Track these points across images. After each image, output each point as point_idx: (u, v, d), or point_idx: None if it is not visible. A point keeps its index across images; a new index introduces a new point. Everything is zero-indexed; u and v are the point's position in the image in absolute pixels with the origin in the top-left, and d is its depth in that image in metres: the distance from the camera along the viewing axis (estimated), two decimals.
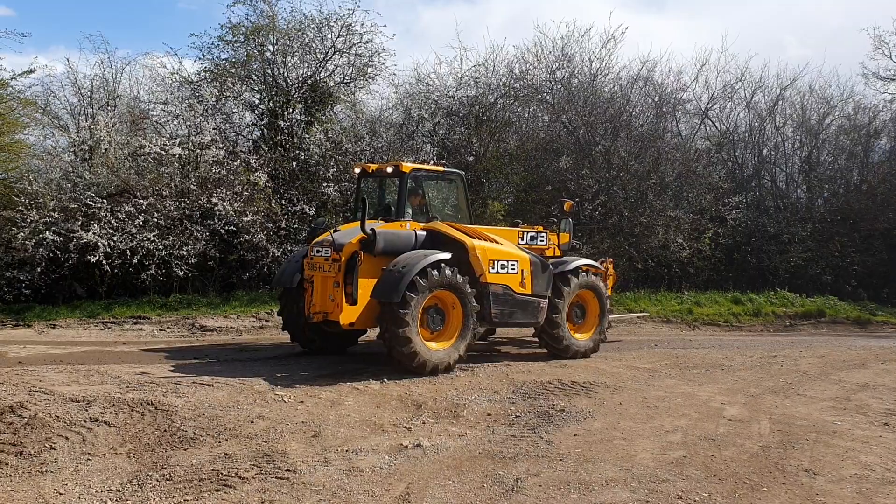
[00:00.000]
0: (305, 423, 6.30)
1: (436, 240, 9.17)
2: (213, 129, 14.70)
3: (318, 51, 16.27)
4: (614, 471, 5.31)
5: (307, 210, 14.69)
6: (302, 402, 7.00)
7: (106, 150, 14.27)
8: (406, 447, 5.73)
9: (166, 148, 14.04)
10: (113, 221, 13.08)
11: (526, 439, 6.04)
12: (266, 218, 14.41)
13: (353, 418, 6.52)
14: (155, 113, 16.13)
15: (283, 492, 4.71)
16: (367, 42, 16.29)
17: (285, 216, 14.64)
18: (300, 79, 16.13)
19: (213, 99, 15.96)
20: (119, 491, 4.67)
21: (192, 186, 14.18)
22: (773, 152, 21.52)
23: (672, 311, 15.31)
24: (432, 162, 15.56)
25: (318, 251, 9.07)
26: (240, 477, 4.91)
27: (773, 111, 21.26)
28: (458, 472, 5.22)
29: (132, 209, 13.28)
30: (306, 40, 16.13)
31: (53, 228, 12.80)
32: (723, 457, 5.70)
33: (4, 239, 13.37)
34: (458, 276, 8.72)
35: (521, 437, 6.09)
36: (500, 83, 17.91)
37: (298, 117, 15.72)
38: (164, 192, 13.95)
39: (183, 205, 13.97)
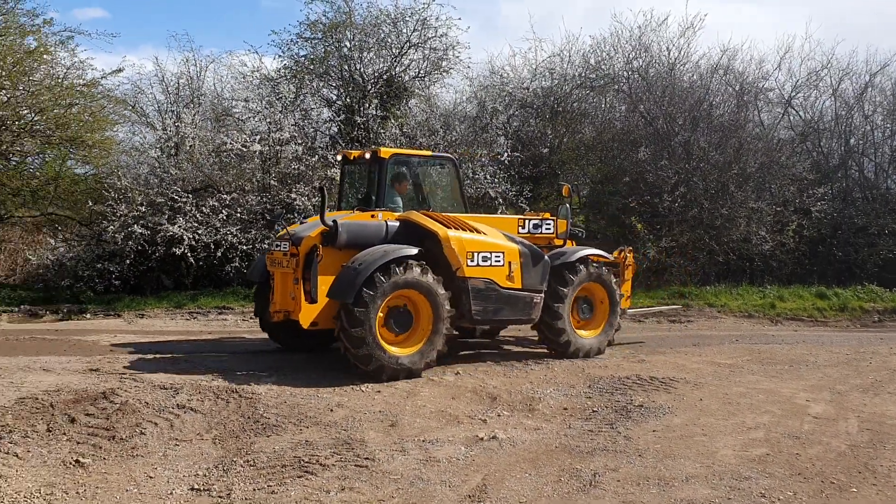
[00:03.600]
0: (382, 412, 6.40)
1: (410, 231, 8.40)
2: (292, 125, 15.00)
3: (393, 45, 16.42)
4: (695, 467, 5.22)
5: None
6: (379, 391, 7.11)
7: (191, 146, 14.74)
8: (482, 439, 5.76)
9: (247, 144, 14.40)
10: (198, 215, 13.49)
11: (603, 434, 5.99)
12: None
13: (429, 409, 6.59)
14: (237, 110, 16.56)
15: (362, 479, 4.80)
16: (441, 36, 16.36)
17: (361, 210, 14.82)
18: (376, 74, 16.31)
19: (292, 96, 16.30)
20: (205, 476, 4.84)
21: (272, 182, 14.51)
22: (861, 142, 20.64)
23: (754, 305, 14.89)
24: (506, 154, 15.55)
25: (277, 245, 8.62)
26: (320, 464, 5.03)
27: (861, 99, 20.39)
28: (534, 465, 5.22)
29: (216, 203, 13.68)
30: (382, 35, 16.30)
31: (141, 222, 13.28)
32: (808, 455, 5.54)
33: (96, 232, 13.98)
34: (428, 273, 7.94)
35: (598, 432, 6.05)
36: (576, 74, 17.74)
37: (374, 112, 15.90)
38: (245, 188, 14.32)
39: (264, 199, 14.31)
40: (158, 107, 16.81)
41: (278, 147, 14.83)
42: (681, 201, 16.67)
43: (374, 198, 8.90)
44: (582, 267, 9.18)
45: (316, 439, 5.60)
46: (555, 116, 17.26)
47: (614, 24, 34.49)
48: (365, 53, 16.37)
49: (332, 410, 6.37)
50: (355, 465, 5.05)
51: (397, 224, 8.46)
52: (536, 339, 9.59)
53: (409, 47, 16.43)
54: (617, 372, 8.36)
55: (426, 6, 16.05)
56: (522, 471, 5.10)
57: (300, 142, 14.98)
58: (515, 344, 10.31)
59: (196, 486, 4.65)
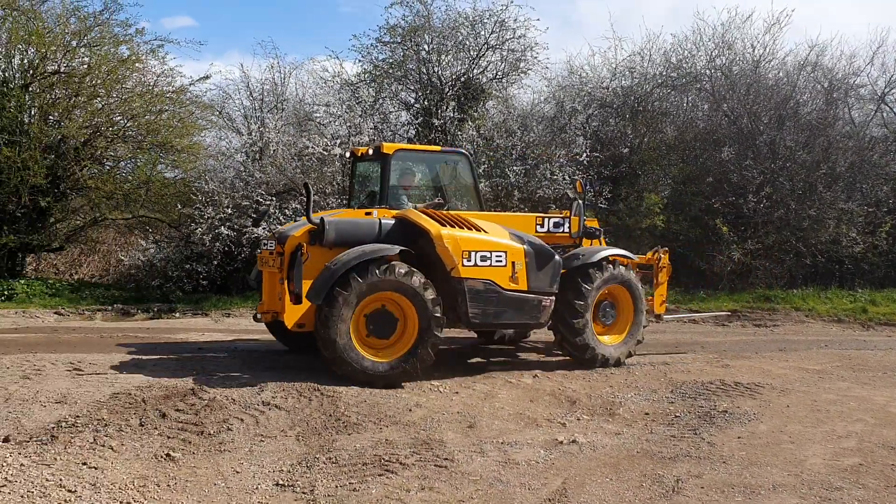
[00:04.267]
0: (461, 413, 6.42)
1: (407, 230, 7.95)
2: (371, 128, 15.20)
3: (471, 48, 16.48)
4: (782, 476, 5.06)
5: (460, 206, 14.88)
6: (457, 392, 7.13)
7: (274, 150, 15.11)
8: (561, 442, 5.72)
9: (328, 148, 14.67)
10: (281, 218, 13.81)
11: (686, 440, 5.87)
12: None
13: (508, 411, 6.58)
14: (318, 115, 16.89)
15: (441, 480, 4.83)
16: (519, 37, 16.34)
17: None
18: (454, 76, 16.39)
19: (371, 100, 16.53)
20: (289, 472, 4.95)
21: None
22: None
23: (843, 309, 14.33)
24: (585, 155, 15.40)
25: (265, 244, 8.34)
26: (400, 463, 5.08)
27: None
28: (615, 469, 5.16)
29: (298, 206, 13.97)
30: (460, 38, 16.38)
31: (228, 224, 13.67)
32: None
33: (184, 234, 14.48)
34: (414, 275, 7.42)
35: (681, 438, 5.92)
36: (657, 72, 17.45)
37: (452, 115, 15.98)
38: (326, 190, 14.58)
39: (344, 202, 14.53)
40: (244, 112, 17.32)
41: None
42: (766, 202, 16.20)
43: (377, 195, 8.67)
44: (603, 269, 8.53)
45: (395, 439, 5.67)
46: (635, 116, 17.01)
47: (696, 22, 33.77)
48: (443, 56, 16.48)
49: (410, 410, 6.43)
50: (435, 466, 5.08)
51: (392, 222, 8.03)
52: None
53: (487, 49, 16.46)
54: (700, 377, 8.17)
55: (504, 8, 16.09)
56: (603, 475, 5.04)
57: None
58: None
59: (280, 482, 4.76)
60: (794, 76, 17.64)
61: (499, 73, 16.87)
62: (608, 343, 8.67)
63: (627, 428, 6.22)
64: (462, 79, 16.37)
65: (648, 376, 8.19)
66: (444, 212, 8.32)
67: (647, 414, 6.66)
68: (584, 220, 9.25)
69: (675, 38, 21.28)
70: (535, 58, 16.62)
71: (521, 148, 15.65)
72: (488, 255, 7.93)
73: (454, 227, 7.93)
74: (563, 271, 8.30)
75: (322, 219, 7.73)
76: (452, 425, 6.09)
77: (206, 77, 15.45)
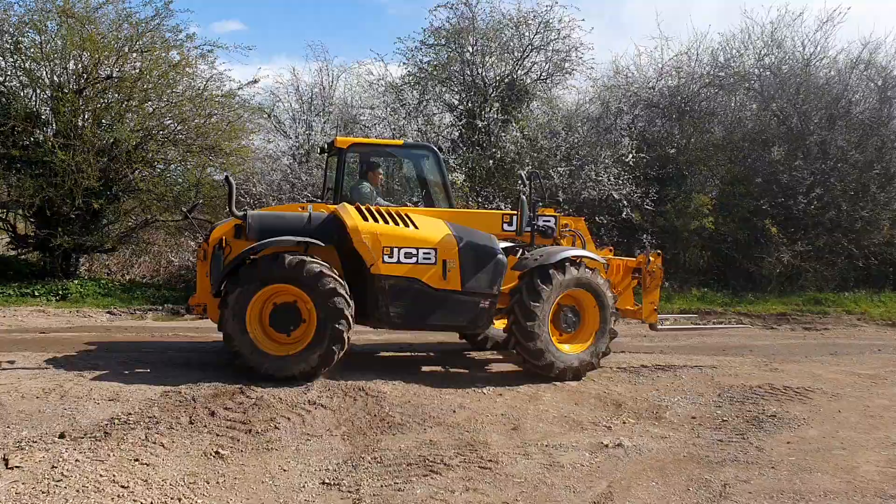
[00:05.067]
0: (505, 415, 6.42)
1: (338, 224, 7.63)
2: (415, 131, 15.27)
3: (515, 49, 16.45)
4: (833, 482, 4.97)
5: (502, 207, 14.88)
6: (501, 394, 7.13)
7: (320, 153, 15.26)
8: (606, 446, 5.69)
9: None
10: None
11: (734, 444, 5.79)
12: None
13: (552, 414, 6.56)
14: (363, 118, 17.03)
15: (486, 481, 4.85)
16: (564, 37, 16.28)
17: None
18: (497, 77, 16.38)
19: (415, 102, 16.61)
20: (335, 471, 5.01)
21: (395, 186, 14.82)
22: None
23: None
24: (631, 156, 15.27)
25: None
26: (445, 464, 5.11)
27: None
28: (661, 473, 5.11)
29: None
30: (504, 39, 16.36)
31: None
32: None
33: None
34: (307, 266, 7.11)
35: (728, 442, 5.85)
36: (704, 72, 17.21)
37: (495, 116, 15.97)
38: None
39: (388, 202, 14.62)
40: (292, 115, 17.54)
41: None
42: (817, 203, 15.89)
43: (333, 190, 8.56)
44: (566, 270, 7.74)
45: (440, 439, 5.69)
46: (682, 116, 16.82)
47: (745, 21, 33.17)
48: (487, 58, 16.47)
49: (454, 412, 6.45)
50: (479, 467, 5.10)
51: (324, 216, 7.73)
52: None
53: (531, 50, 16.42)
54: (748, 381, 8.05)
55: (549, 8, 16.03)
56: (649, 479, 5.00)
57: None
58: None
59: (327, 481, 4.82)
60: (846, 74, 17.25)
61: (543, 74, 16.81)
62: (568, 351, 7.87)
63: (674, 432, 6.16)
64: (506, 80, 16.35)
65: (695, 380, 8.10)
66: (382, 207, 8.03)
67: (693, 418, 6.59)
68: (530, 216, 8.26)
69: (722, 37, 21.04)
70: (580, 58, 16.55)
71: (566, 149, 15.57)
72: (414, 251, 7.56)
73: (378, 221, 7.58)
74: (520, 272, 7.82)
75: (245, 212, 7.70)
76: (496, 427, 6.09)
77: (255, 81, 15.65)
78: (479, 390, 7.23)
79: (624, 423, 6.39)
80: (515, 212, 8.49)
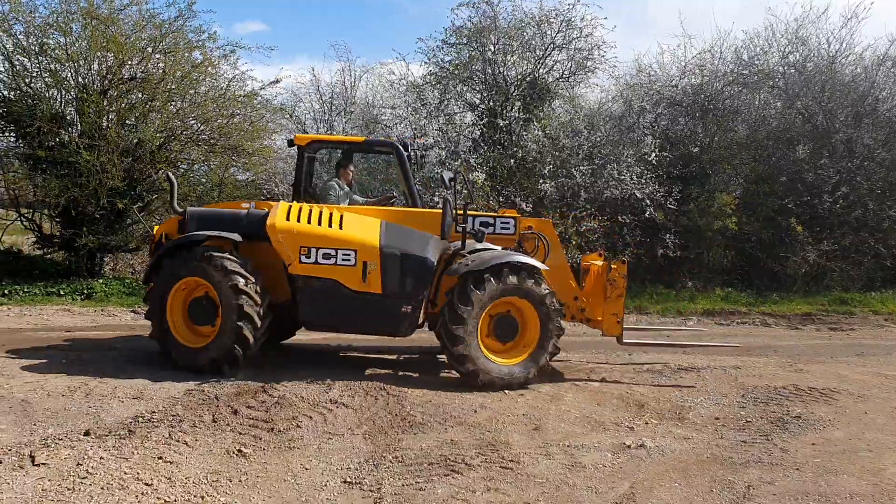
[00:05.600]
0: (526, 415, 6.40)
1: None
2: (436, 130, 15.28)
3: (537, 48, 16.41)
4: (859, 484, 4.90)
5: (524, 206, 14.84)
6: (522, 394, 7.11)
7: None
8: (629, 446, 5.65)
9: None
10: None
11: (758, 445, 5.74)
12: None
13: (574, 414, 6.53)
14: (385, 117, 17.06)
15: (507, 481, 4.83)
16: (587, 36, 16.21)
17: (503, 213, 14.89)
18: (519, 76, 16.34)
19: (436, 101, 16.61)
20: (357, 469, 5.01)
21: (417, 186, 14.83)
22: None
23: None
24: (654, 155, 15.18)
25: None
26: (466, 464, 5.09)
27: None
28: (684, 474, 5.07)
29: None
30: (526, 38, 16.32)
31: None
32: None
33: None
34: (213, 262, 7.21)
35: (752, 443, 5.79)
36: (728, 70, 17.06)
37: (517, 115, 15.93)
38: (393, 192, 14.71)
39: (408, 204, 14.64)
40: (314, 115, 17.61)
41: (422, 152, 15.15)
42: (843, 202, 15.71)
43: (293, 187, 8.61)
44: (502, 276, 7.30)
45: (461, 439, 5.68)
46: (705, 114, 16.69)
47: (768, 18, 32.91)
48: (508, 56, 16.44)
49: (475, 412, 6.44)
50: (500, 467, 5.08)
51: (262, 214, 7.72)
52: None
53: (554, 49, 16.36)
54: (772, 381, 7.97)
55: (571, 7, 15.97)
56: (672, 480, 4.96)
57: (443, 146, 15.24)
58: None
59: (348, 480, 4.82)
60: (873, 72, 17.02)
61: (565, 73, 16.75)
62: (499, 361, 7.40)
63: (697, 433, 6.11)
64: (528, 78, 16.31)
65: (718, 380, 8.03)
66: (326, 205, 7.96)
67: (717, 419, 6.53)
68: (452, 217, 7.78)
69: (746, 34, 20.85)
70: (603, 56, 16.48)
71: (588, 148, 15.51)
72: (333, 252, 7.41)
73: (300, 221, 7.50)
74: (454, 277, 7.46)
75: (185, 209, 7.90)
76: (518, 427, 6.07)
77: (277, 81, 15.72)
78: (501, 390, 7.21)
79: (646, 423, 6.35)
80: (473, 213, 8.35)
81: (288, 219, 7.50)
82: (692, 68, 17.11)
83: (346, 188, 8.78)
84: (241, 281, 7.25)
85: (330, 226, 7.53)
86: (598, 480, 4.92)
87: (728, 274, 16.33)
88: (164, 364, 7.51)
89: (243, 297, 7.22)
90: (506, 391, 7.17)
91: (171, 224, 8.11)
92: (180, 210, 7.92)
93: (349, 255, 7.41)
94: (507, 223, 8.30)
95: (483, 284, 7.26)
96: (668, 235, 15.27)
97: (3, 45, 13.99)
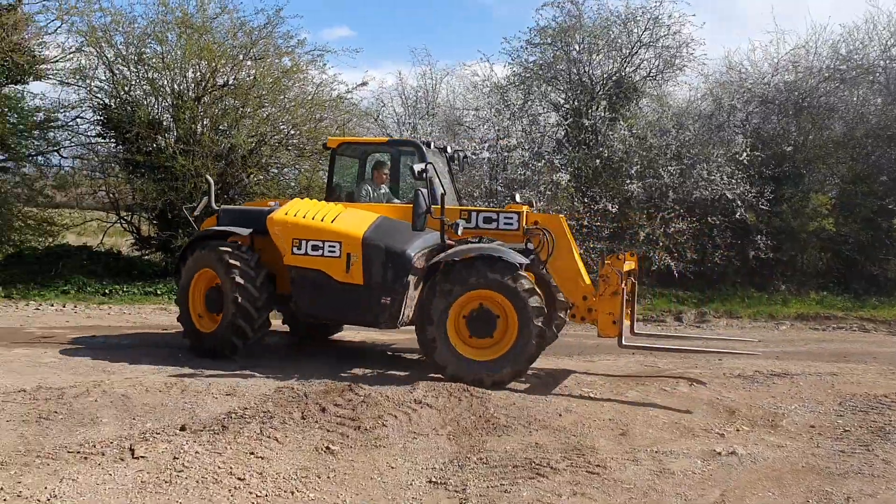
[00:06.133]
0: (613, 420, 6.30)
1: None
2: (520, 131, 15.23)
3: (623, 46, 16.18)
4: None
5: (609, 208, 14.64)
6: (608, 399, 7.01)
7: None
8: (719, 453, 5.50)
9: (476, 152, 14.84)
10: None
11: (857, 456, 5.50)
12: (569, 216, 14.62)
13: (662, 420, 6.40)
14: (468, 119, 17.12)
15: (594, 486, 4.77)
16: (675, 33, 15.91)
17: (588, 214, 14.73)
18: (605, 75, 16.15)
19: (520, 102, 16.57)
20: (441, 470, 5.04)
21: (498, 188, 14.84)
22: None
23: None
24: (745, 154, 14.76)
25: None
26: (551, 467, 5.06)
27: None
28: (778, 484, 4.90)
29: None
30: (612, 37, 16.11)
31: None
32: None
33: None
34: (222, 254, 7.87)
35: (851, 454, 5.55)
36: (823, 66, 16.43)
37: (602, 114, 15.74)
38: (474, 194, 14.75)
39: (491, 205, 14.65)
40: (398, 119, 17.82)
41: (505, 153, 15.13)
42: None
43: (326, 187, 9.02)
44: (474, 269, 7.17)
45: (546, 443, 5.64)
46: (799, 112, 16.11)
47: (869, 10, 31.54)
48: (594, 55, 16.26)
49: (560, 415, 6.38)
50: (586, 472, 5.02)
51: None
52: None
53: (640, 47, 16.11)
54: (872, 389, 7.62)
55: (658, 4, 15.68)
56: (765, 489, 4.81)
57: (527, 147, 15.18)
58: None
59: (433, 479, 4.86)
60: None
61: (652, 71, 16.46)
62: (472, 357, 7.29)
63: (791, 441, 5.90)
64: (613, 78, 16.10)
65: (814, 387, 7.72)
66: (337, 203, 8.36)
67: (812, 427, 6.29)
68: (426, 210, 7.44)
69: (844, 28, 20.01)
70: (692, 54, 16.11)
71: (676, 147, 15.19)
72: (320, 244, 7.68)
73: (296, 215, 7.89)
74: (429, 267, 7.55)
75: (220, 207, 8.73)
76: (604, 432, 5.99)
77: (364, 84, 16.00)
78: (586, 394, 7.14)
79: (738, 430, 6.17)
80: (475, 209, 8.42)
81: (287, 213, 7.96)
82: (785, 64, 16.57)
83: (383, 189, 8.93)
84: (237, 273, 7.84)
85: (322, 220, 7.85)
86: (688, 487, 4.81)
87: (823, 277, 15.74)
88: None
89: (238, 290, 7.82)
90: (590, 396, 7.08)
91: (212, 222, 8.77)
92: (216, 209, 8.68)
93: (335, 246, 7.68)
94: (511, 218, 8.15)
95: (449, 277, 7.26)
96: (759, 237, 14.82)
97: (105, 55, 14.67)
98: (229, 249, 7.96)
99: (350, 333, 10.05)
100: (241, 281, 7.81)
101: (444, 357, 7.28)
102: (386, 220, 7.98)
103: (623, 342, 7.51)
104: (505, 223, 8.12)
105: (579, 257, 8.19)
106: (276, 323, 9.22)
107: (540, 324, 7.19)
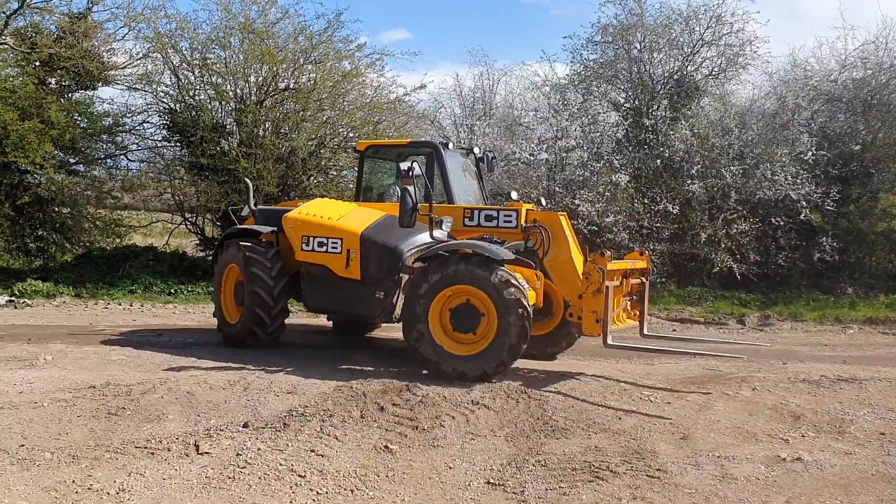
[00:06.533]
0: (674, 424, 6.21)
1: None
2: (579, 131, 15.13)
3: (685, 45, 15.95)
4: None
5: (670, 208, 14.43)
6: (669, 402, 6.90)
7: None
8: (784, 459, 5.38)
9: (535, 153, 14.79)
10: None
11: None
12: (628, 217, 14.46)
13: (724, 424, 6.27)
14: (526, 119, 17.07)
15: (654, 490, 4.71)
16: (738, 31, 15.61)
17: (648, 215, 14.55)
18: (666, 74, 15.94)
19: (580, 101, 16.46)
20: (499, 471, 5.04)
21: (557, 188, 14.75)
22: None
23: None
24: (810, 153, 14.39)
25: None
26: (611, 471, 5.01)
27: None
28: (846, 491, 4.77)
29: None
30: (673, 35, 15.91)
31: None
32: None
33: None
34: (240, 249, 8.50)
35: None
36: (894, 61, 15.91)
37: (663, 114, 15.53)
38: (532, 195, 14.68)
39: (549, 206, 14.57)
40: (454, 120, 17.88)
41: (564, 154, 15.04)
42: None
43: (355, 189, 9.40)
44: (448, 263, 7.26)
45: (605, 446, 5.59)
46: (868, 110, 15.62)
47: None
48: (654, 54, 16.07)
49: (620, 419, 6.31)
50: (647, 476, 4.96)
51: None
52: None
53: (702, 45, 15.85)
54: None
55: (721, 2, 15.42)
56: (832, 496, 4.68)
57: (585, 148, 15.07)
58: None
59: (491, 481, 4.86)
60: None
61: (714, 70, 16.18)
62: (454, 352, 7.32)
63: (859, 448, 5.72)
64: (675, 76, 15.87)
65: (884, 393, 7.47)
66: (333, 202, 9.06)
67: (882, 434, 6.09)
68: (412, 206, 7.47)
69: None
70: (756, 52, 15.78)
71: (739, 147, 14.89)
72: (325, 240, 8.14)
73: (309, 213, 8.46)
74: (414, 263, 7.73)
75: (256, 208, 9.32)
76: (665, 436, 5.90)
77: (422, 87, 16.13)
78: (646, 398, 7.04)
79: (803, 436, 6.01)
80: (477, 207, 8.48)
81: (300, 212, 8.55)
82: (854, 61, 16.08)
83: (407, 191, 8.89)
84: (253, 265, 8.39)
85: (329, 218, 8.33)
86: (751, 493, 4.71)
87: (894, 280, 15.22)
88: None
89: (255, 280, 8.37)
90: (650, 399, 6.99)
91: (251, 222, 9.28)
92: (253, 209, 9.26)
93: (337, 243, 8.13)
94: (510, 216, 8.18)
95: (431, 272, 7.35)
96: (825, 238, 14.42)
97: (170, 61, 15.08)
98: (248, 245, 8.55)
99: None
100: (258, 272, 8.35)
101: (428, 351, 7.37)
102: (390, 217, 8.13)
103: (608, 342, 7.33)
104: (504, 221, 8.19)
105: (579, 255, 8.11)
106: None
107: (520, 318, 7.07)
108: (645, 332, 8.40)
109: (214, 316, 9.31)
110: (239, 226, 9.24)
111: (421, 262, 7.68)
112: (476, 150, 9.56)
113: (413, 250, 7.85)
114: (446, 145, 8.84)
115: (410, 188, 7.54)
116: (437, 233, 7.92)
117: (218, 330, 9.27)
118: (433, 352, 7.36)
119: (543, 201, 9.23)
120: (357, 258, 7.98)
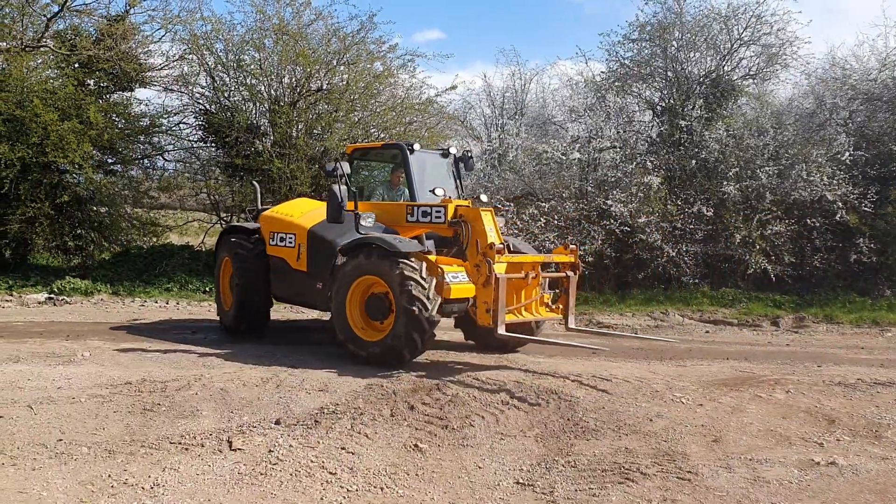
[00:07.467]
0: (705, 426, 6.16)
1: None
2: (612, 131, 15.05)
3: (722, 44, 15.80)
4: None
5: (704, 210, 14.30)
6: (701, 405, 6.84)
7: (513, 156, 15.43)
8: (818, 463, 5.31)
9: (567, 153, 14.74)
10: (518, 223, 14.08)
11: None
12: (661, 218, 14.34)
13: (756, 427, 6.21)
14: (558, 119, 17.04)
15: (684, 492, 4.68)
16: (778, 31, 15.42)
17: (681, 216, 14.42)
18: (702, 74, 15.80)
19: (614, 100, 16.38)
20: (529, 472, 5.04)
21: (589, 188, 14.68)
22: None
23: None
24: (848, 154, 14.17)
25: None
26: (641, 472, 4.99)
27: None
28: (882, 497, 4.69)
29: (535, 211, 14.17)
30: (711, 34, 15.76)
31: None
32: None
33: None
34: (233, 246, 9.35)
35: None
36: None
37: (699, 113, 15.39)
38: (563, 195, 14.65)
39: (581, 206, 14.53)
40: (485, 120, 17.90)
41: (597, 154, 14.97)
42: None
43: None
44: (355, 254, 7.94)
45: (635, 447, 5.56)
46: None
47: None
48: (691, 53, 15.94)
49: (651, 420, 6.27)
50: (677, 478, 4.93)
51: None
52: None
53: (741, 45, 15.68)
54: None
55: (762, 1, 15.24)
56: (867, 502, 4.61)
57: (619, 149, 14.98)
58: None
59: (521, 481, 4.87)
60: None
61: (752, 70, 15.99)
62: (366, 337, 7.94)
63: None
64: (711, 76, 15.72)
65: None
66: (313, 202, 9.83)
67: None
68: (339, 203, 8.12)
69: None
70: (795, 52, 15.58)
71: (774, 147, 14.70)
72: (285, 236, 9.00)
73: (280, 211, 9.30)
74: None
75: (261, 208, 9.98)
76: (696, 438, 5.86)
77: (453, 87, 16.17)
78: (678, 399, 6.99)
79: (838, 440, 5.93)
80: (417, 204, 8.68)
81: (273, 211, 9.43)
82: (894, 59, 15.79)
83: (398, 190, 9.47)
84: (236, 256, 9.30)
85: (291, 216, 9.14)
86: (784, 497, 4.66)
87: None
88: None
89: (239, 270, 9.25)
90: (681, 401, 6.93)
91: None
92: (259, 210, 9.90)
93: (292, 238, 8.96)
94: (440, 212, 8.50)
95: (345, 264, 8.04)
96: (862, 240, 14.18)
97: (206, 62, 15.28)
98: (234, 239, 9.49)
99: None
100: (239, 263, 9.25)
101: (345, 335, 8.06)
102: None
103: (499, 332, 7.63)
104: (436, 217, 8.54)
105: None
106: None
107: (415, 309, 7.47)
108: (570, 325, 8.67)
109: (216, 304, 10.30)
110: (233, 224, 10.26)
111: (341, 256, 8.26)
112: (453, 150, 9.85)
113: (344, 244, 8.34)
114: (412, 147, 9.09)
115: (335, 186, 8.20)
116: (366, 227, 8.37)
117: (220, 322, 10.14)
118: (349, 336, 8.02)
119: (483, 198, 9.52)
120: (305, 252, 8.80)
